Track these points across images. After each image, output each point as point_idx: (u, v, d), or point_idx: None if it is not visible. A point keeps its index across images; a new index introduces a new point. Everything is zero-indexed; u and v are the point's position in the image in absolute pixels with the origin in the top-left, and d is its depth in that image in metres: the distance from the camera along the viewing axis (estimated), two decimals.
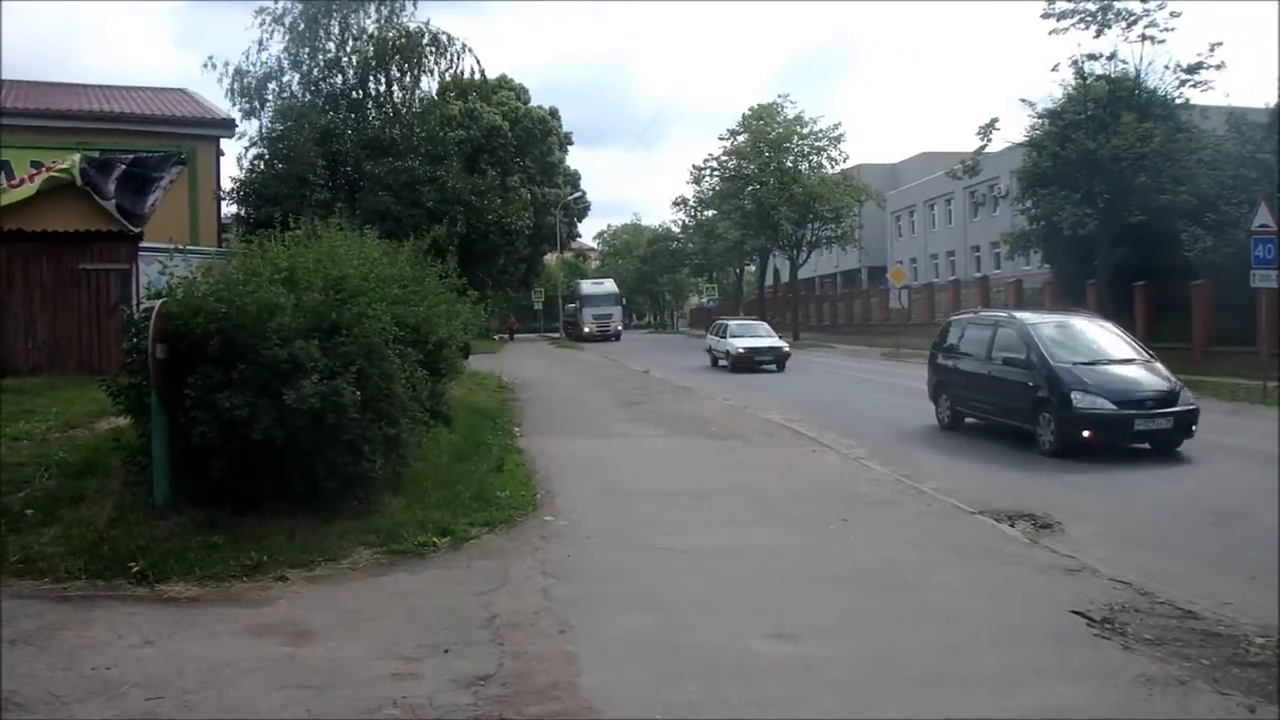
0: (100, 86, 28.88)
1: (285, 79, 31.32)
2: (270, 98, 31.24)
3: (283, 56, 31.00)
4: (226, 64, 31.34)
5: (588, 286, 76.47)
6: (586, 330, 69.09)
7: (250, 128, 31.42)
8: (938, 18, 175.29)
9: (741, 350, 35.18)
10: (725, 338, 36.91)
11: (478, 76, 34.92)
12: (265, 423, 8.82)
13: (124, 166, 20.34)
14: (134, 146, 22.59)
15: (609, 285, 76.30)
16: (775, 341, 36.63)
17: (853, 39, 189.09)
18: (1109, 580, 8.41)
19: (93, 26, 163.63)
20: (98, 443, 11.13)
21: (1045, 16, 31.96)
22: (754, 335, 36.99)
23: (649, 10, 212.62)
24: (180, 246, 13.20)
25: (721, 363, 36.53)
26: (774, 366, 35.01)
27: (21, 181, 19.26)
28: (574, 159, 73.25)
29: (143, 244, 17.36)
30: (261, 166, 29.81)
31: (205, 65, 31.31)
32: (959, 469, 14.47)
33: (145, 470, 9.52)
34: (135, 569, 8.14)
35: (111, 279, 16.94)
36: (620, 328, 72.90)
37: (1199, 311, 30.28)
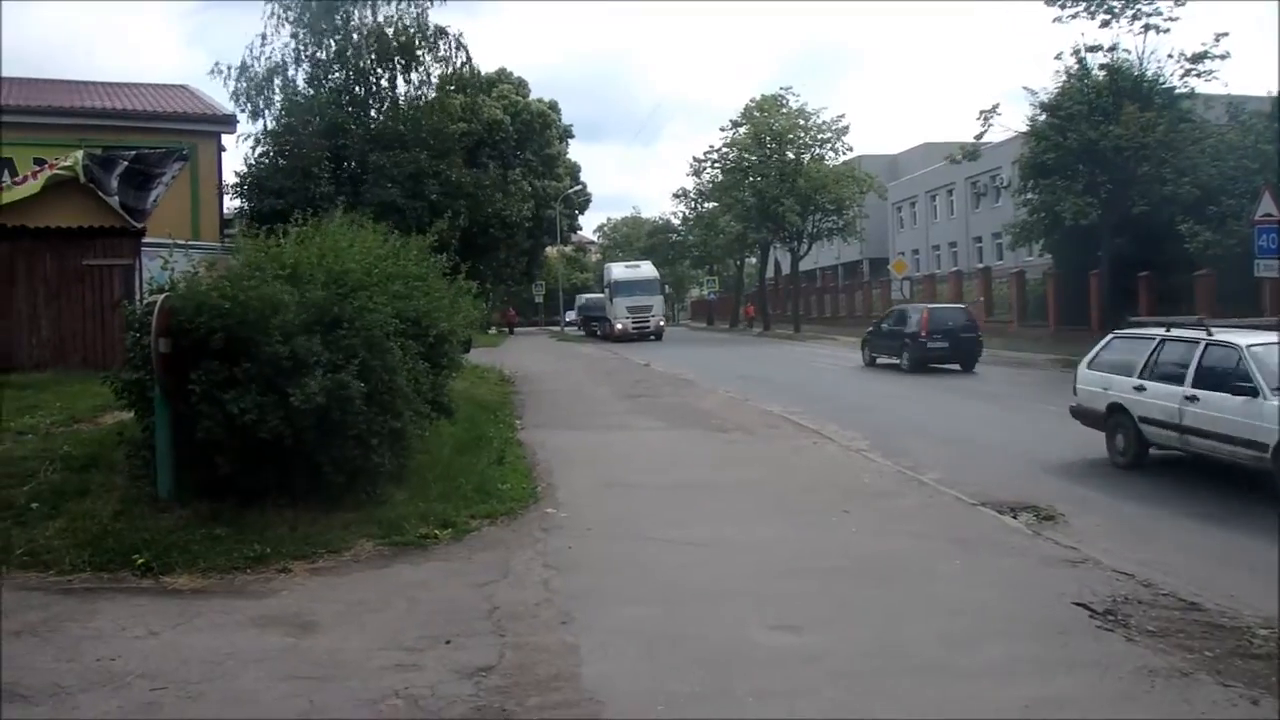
0: (102, 83, 28.81)
1: (290, 73, 31.39)
2: (275, 91, 31.26)
3: (286, 51, 31.07)
4: (230, 67, 31.38)
5: (620, 270, 59.06)
6: (619, 327, 53.56)
7: (255, 126, 31.46)
8: (940, 9, 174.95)
9: None
10: (1258, 396, 11.11)
11: (467, 71, 34.87)
12: (273, 422, 8.84)
13: (126, 163, 20.37)
14: (136, 143, 22.58)
15: (648, 268, 58.80)
16: None
17: (855, 31, 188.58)
18: (1111, 572, 8.41)
19: (101, 27, 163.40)
20: (102, 437, 11.13)
21: (1050, 3, 31.90)
22: None
23: (650, 6, 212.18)
24: (183, 241, 13.19)
25: (1198, 454, 12.51)
26: None
27: (25, 179, 19.26)
28: (574, 153, 70.27)
29: (145, 239, 17.36)
30: (266, 160, 29.80)
31: (212, 71, 31.39)
32: (960, 462, 14.40)
33: (149, 464, 9.55)
34: (139, 561, 8.20)
35: (115, 274, 16.95)
36: (662, 323, 56.71)
37: (1202, 302, 30.24)
